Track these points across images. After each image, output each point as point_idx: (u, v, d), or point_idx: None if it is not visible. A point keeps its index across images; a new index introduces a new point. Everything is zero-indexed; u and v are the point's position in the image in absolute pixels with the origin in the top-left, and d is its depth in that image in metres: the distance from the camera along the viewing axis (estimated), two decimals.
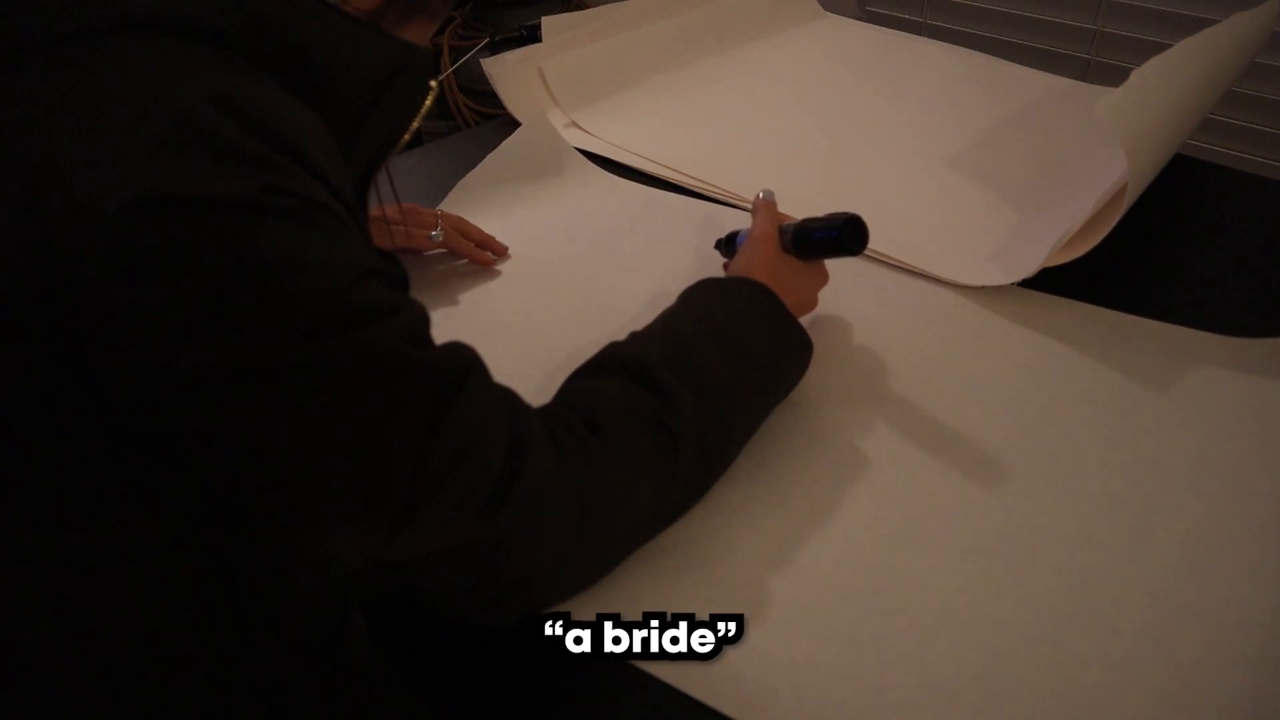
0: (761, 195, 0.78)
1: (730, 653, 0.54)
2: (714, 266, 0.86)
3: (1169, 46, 0.82)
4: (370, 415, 0.43)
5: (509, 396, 0.52)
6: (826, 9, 1.44)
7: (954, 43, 1.34)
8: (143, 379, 0.40)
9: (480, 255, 0.86)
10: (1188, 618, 0.56)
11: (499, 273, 0.87)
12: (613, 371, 0.59)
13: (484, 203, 0.93)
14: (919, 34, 1.42)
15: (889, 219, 0.93)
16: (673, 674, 0.53)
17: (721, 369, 0.60)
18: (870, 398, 0.72)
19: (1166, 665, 0.53)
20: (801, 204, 0.94)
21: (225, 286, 0.39)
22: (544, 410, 0.55)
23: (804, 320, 0.75)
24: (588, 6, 1.86)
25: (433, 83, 0.53)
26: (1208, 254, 0.90)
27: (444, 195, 0.95)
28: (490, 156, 0.99)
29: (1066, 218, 0.88)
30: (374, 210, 0.82)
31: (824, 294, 0.78)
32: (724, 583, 0.58)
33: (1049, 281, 0.82)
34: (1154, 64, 0.79)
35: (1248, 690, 0.52)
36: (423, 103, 0.53)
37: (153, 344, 0.39)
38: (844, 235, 0.69)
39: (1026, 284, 0.83)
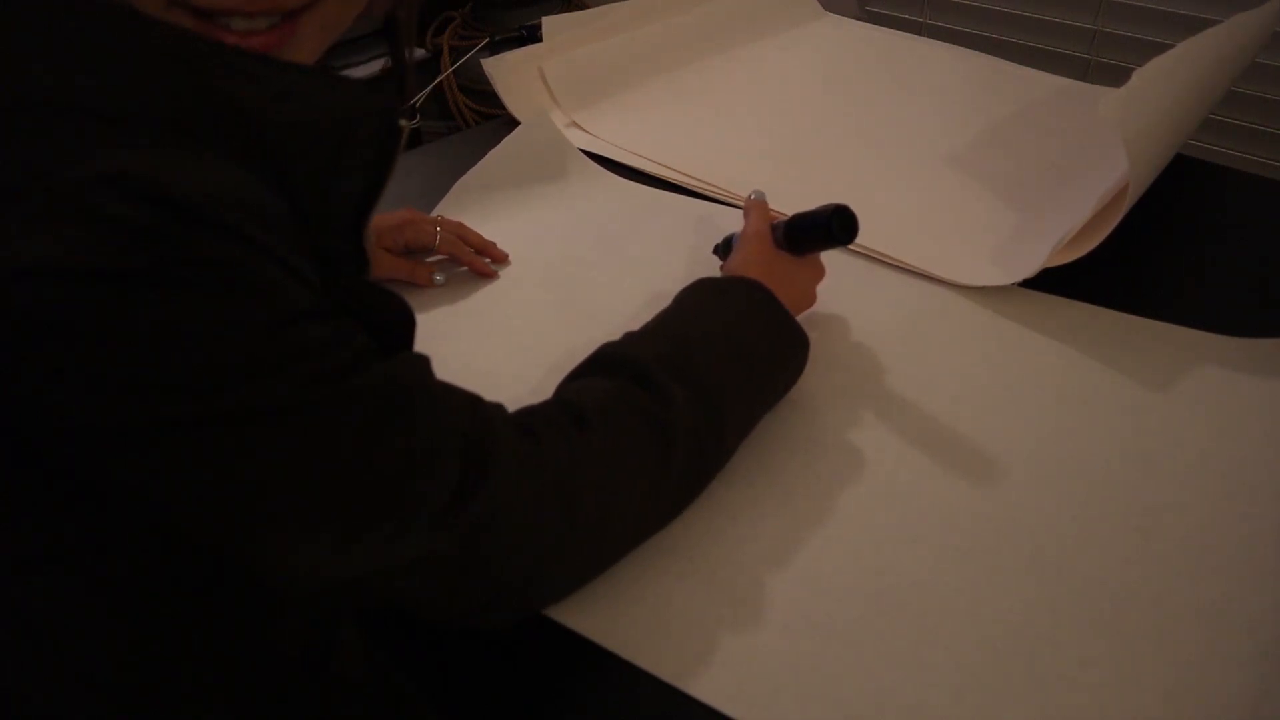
0: (753, 196, 0.78)
1: (732, 653, 0.54)
2: (714, 266, 0.86)
3: (1169, 46, 0.82)
4: (298, 450, 0.42)
5: (470, 405, 0.50)
6: (826, 9, 1.44)
7: (954, 43, 1.34)
8: (56, 436, 0.39)
9: (481, 265, 0.86)
10: (1190, 618, 0.56)
11: (499, 272, 0.87)
12: (604, 370, 0.59)
13: (484, 202, 0.93)
14: (919, 34, 1.41)
15: (889, 219, 0.93)
16: (674, 673, 0.53)
17: (717, 367, 0.60)
18: (871, 398, 0.72)
19: (1169, 666, 0.53)
20: (801, 204, 0.94)
21: (117, 353, 0.38)
22: (529, 409, 0.54)
23: (804, 316, 0.75)
24: (588, 6, 1.86)
25: (404, 123, 0.49)
26: (1208, 254, 0.90)
27: (442, 196, 0.95)
28: (491, 154, 0.99)
29: (1067, 218, 0.88)
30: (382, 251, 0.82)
31: (824, 294, 0.78)
32: (726, 584, 0.58)
33: (1049, 282, 0.82)
34: (1155, 64, 0.79)
35: (1250, 690, 0.52)
36: (395, 150, 0.49)
37: (71, 405, 0.38)
38: (832, 225, 0.70)
39: (1027, 284, 0.83)
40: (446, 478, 0.46)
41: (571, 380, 0.60)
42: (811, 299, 0.76)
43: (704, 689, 0.52)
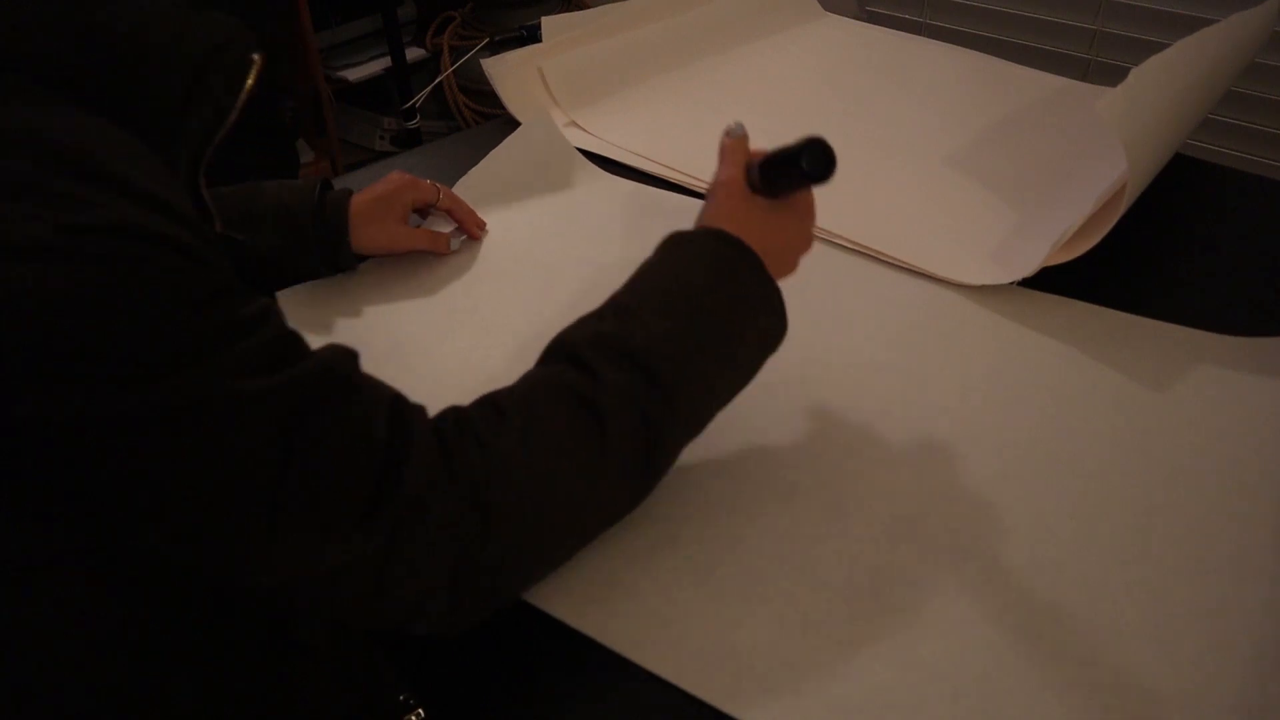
0: (728, 134, 0.66)
1: (730, 651, 0.54)
2: None
3: (1169, 46, 0.82)
4: (213, 452, 0.41)
5: (391, 404, 0.48)
6: (826, 9, 1.44)
7: (954, 43, 1.34)
8: None
9: (476, 223, 0.88)
10: (1188, 617, 0.56)
11: (499, 272, 0.87)
12: (545, 358, 0.57)
13: (485, 203, 0.93)
14: (919, 34, 1.41)
15: (889, 218, 0.93)
16: (674, 670, 0.53)
17: (660, 334, 0.55)
18: (871, 396, 0.72)
19: (1167, 665, 0.53)
20: None
21: (28, 339, 0.37)
22: (451, 409, 0.52)
23: (805, 308, 0.71)
24: (588, 6, 1.86)
25: (255, 56, 0.47)
26: (1207, 254, 0.90)
27: None
28: (491, 154, 0.99)
29: (1066, 217, 0.88)
30: (398, 219, 0.83)
31: (823, 293, 0.78)
32: (723, 581, 0.58)
33: (1049, 280, 0.82)
34: (1153, 63, 0.79)
35: (1249, 690, 0.52)
36: (244, 83, 0.47)
37: None
38: (803, 158, 0.59)
39: (1026, 283, 0.83)
40: (363, 481, 0.45)
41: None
42: (801, 245, 0.65)
43: (704, 686, 0.52)
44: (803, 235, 0.65)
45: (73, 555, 0.43)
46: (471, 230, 0.88)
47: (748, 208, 0.63)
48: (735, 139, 0.66)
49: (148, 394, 0.39)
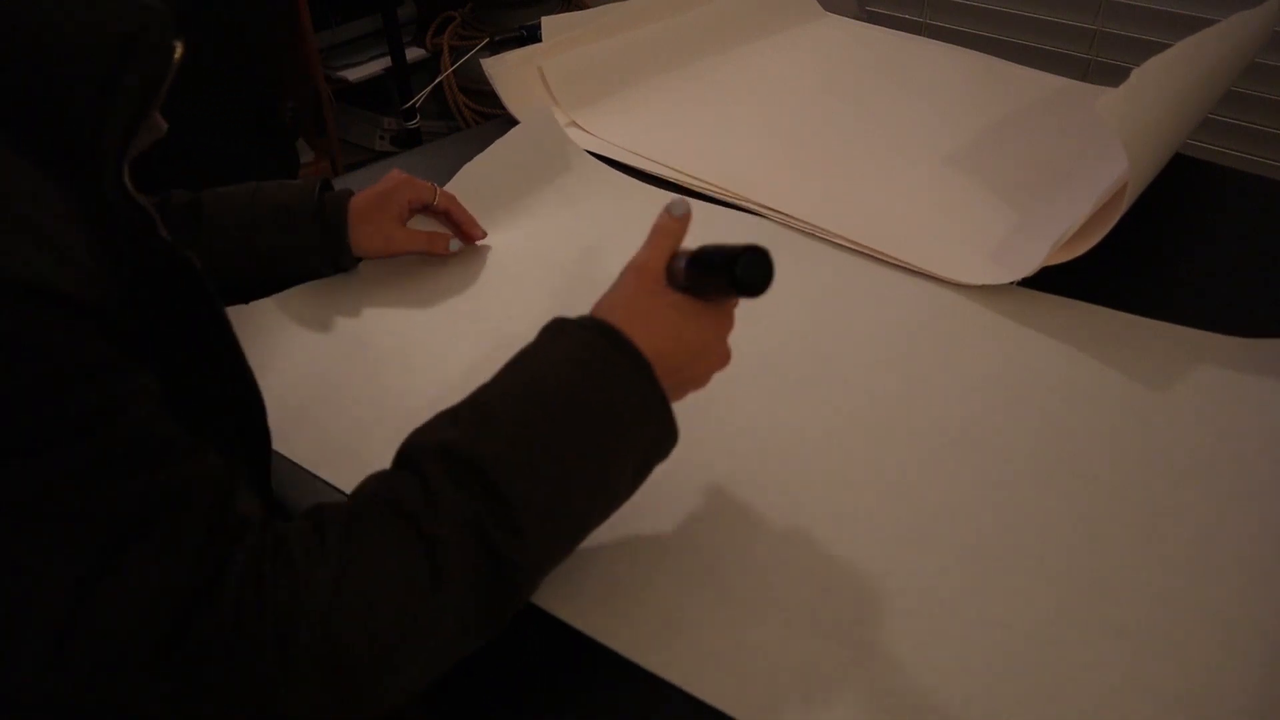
0: (668, 210, 0.57)
1: (740, 656, 0.54)
2: None
3: (1169, 46, 0.82)
4: (12, 556, 0.39)
5: (213, 534, 0.43)
6: (826, 9, 1.44)
7: (954, 43, 1.34)
8: None
9: (472, 227, 0.87)
10: (1197, 619, 0.56)
11: (501, 270, 0.87)
12: (395, 462, 0.50)
13: (486, 197, 0.93)
14: (919, 34, 1.41)
15: (889, 218, 0.93)
16: (681, 675, 0.53)
17: (523, 440, 0.48)
18: (872, 397, 0.72)
19: (1176, 667, 0.53)
20: (800, 202, 0.95)
21: None
22: (282, 525, 0.46)
23: (802, 318, 0.70)
24: (588, 6, 1.86)
25: (177, 41, 0.45)
26: (1207, 254, 0.90)
27: None
28: (490, 148, 0.98)
29: (1066, 217, 0.88)
30: (401, 223, 0.82)
31: (825, 294, 0.78)
32: (732, 587, 0.58)
33: (1049, 280, 0.82)
34: (1154, 63, 0.79)
35: (1259, 691, 0.52)
36: (166, 70, 0.44)
37: None
38: (738, 267, 0.50)
39: (1026, 283, 0.83)
40: (164, 617, 0.41)
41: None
42: (714, 357, 0.56)
43: (713, 692, 0.52)
44: (718, 346, 0.56)
45: None
46: (471, 231, 0.88)
47: (654, 302, 0.54)
48: (673, 219, 0.56)
49: None
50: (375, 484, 0.49)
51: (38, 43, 0.42)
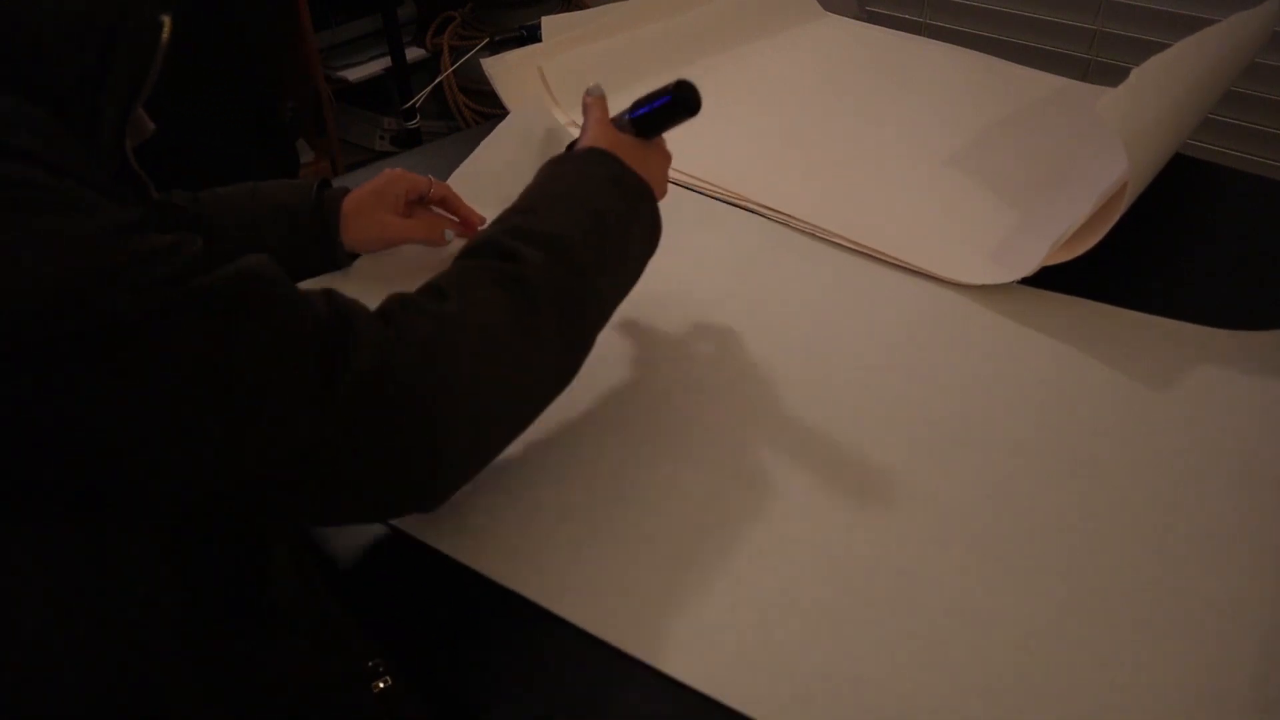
0: (588, 93, 0.78)
1: (761, 657, 0.54)
2: (717, 267, 0.86)
3: (1169, 46, 0.83)
4: (153, 362, 0.42)
5: (324, 293, 0.51)
6: (826, 9, 1.44)
7: (954, 43, 1.34)
8: None
9: (469, 215, 0.87)
10: (1202, 613, 0.56)
11: None
12: (462, 256, 0.60)
13: (479, 193, 0.93)
14: (919, 34, 1.41)
15: (889, 218, 0.93)
16: (703, 679, 0.53)
17: (563, 221, 0.62)
18: (873, 397, 0.72)
19: (1195, 663, 0.53)
20: (800, 202, 0.95)
21: None
22: (390, 296, 0.55)
23: (809, 306, 0.73)
24: (588, 6, 1.86)
25: (165, 18, 0.49)
26: (1207, 254, 0.90)
27: None
28: (483, 144, 0.98)
29: (1066, 216, 0.88)
30: (400, 205, 0.83)
31: (826, 293, 0.78)
32: (751, 589, 0.58)
33: (1049, 280, 0.82)
34: (1154, 63, 0.79)
35: (1263, 685, 0.52)
36: (156, 49, 0.49)
37: None
38: (675, 96, 0.72)
39: (1026, 281, 0.83)
40: (312, 358, 0.46)
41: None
42: (662, 181, 0.75)
43: (735, 694, 0.52)
44: (665, 161, 0.77)
45: (38, 516, 0.44)
46: (470, 220, 0.87)
47: (620, 139, 0.72)
48: (596, 97, 0.77)
49: (75, 321, 0.40)
50: (462, 263, 0.59)
51: (33, 20, 0.45)
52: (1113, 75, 1.19)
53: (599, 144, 0.70)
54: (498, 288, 0.56)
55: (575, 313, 0.60)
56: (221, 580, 0.52)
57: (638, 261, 0.69)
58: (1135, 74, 0.77)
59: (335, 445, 0.47)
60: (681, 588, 0.58)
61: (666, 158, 0.77)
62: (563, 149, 1.01)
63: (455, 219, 0.87)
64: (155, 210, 0.52)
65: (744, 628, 0.55)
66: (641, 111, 0.73)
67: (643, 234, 0.69)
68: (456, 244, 0.87)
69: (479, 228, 0.89)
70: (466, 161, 0.97)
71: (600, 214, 0.64)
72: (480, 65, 1.12)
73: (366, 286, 0.83)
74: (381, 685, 0.58)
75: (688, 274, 0.85)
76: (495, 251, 0.59)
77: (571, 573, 0.58)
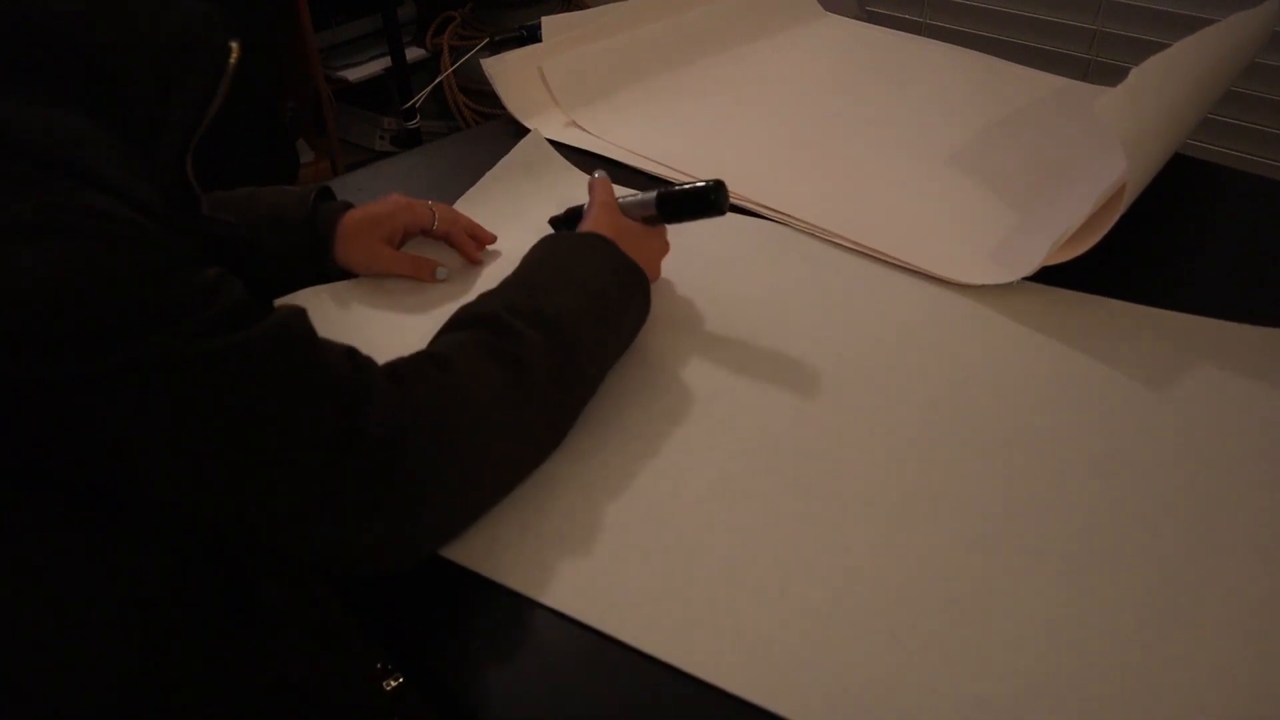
0: (596, 175, 0.81)
1: (795, 661, 0.54)
2: (717, 268, 0.86)
3: (1169, 46, 0.83)
4: (182, 405, 0.45)
5: (347, 354, 0.54)
6: (826, 9, 1.44)
7: (954, 43, 1.34)
8: None
9: (472, 251, 0.86)
10: (1207, 610, 0.56)
11: (494, 281, 0.86)
12: (461, 326, 0.63)
13: (484, 222, 0.93)
14: (919, 34, 1.41)
15: (889, 218, 0.93)
16: (740, 682, 0.53)
17: (562, 303, 0.65)
18: (873, 398, 0.72)
19: (1258, 660, 0.53)
20: (801, 203, 0.95)
21: (17, 308, 0.40)
22: (396, 359, 0.58)
23: (801, 310, 0.74)
24: (588, 6, 1.86)
25: (234, 44, 0.51)
26: (1206, 254, 0.90)
27: (442, 196, 0.95)
28: (488, 175, 0.98)
29: (1066, 216, 0.88)
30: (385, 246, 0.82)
31: (827, 294, 0.78)
32: (772, 594, 0.57)
33: (1049, 280, 0.82)
34: (1153, 63, 0.79)
35: (1267, 684, 0.52)
36: (224, 72, 0.51)
37: None
38: (709, 197, 0.74)
39: (1026, 280, 0.83)
40: (327, 424, 0.49)
41: (435, 340, 0.64)
42: (657, 269, 0.80)
43: (770, 697, 0.52)
44: (663, 250, 0.81)
45: (39, 517, 0.45)
46: (471, 255, 0.86)
47: (622, 226, 0.75)
48: (601, 180, 0.80)
49: (118, 356, 0.42)
50: (458, 335, 0.62)
51: (106, 42, 0.47)
52: (1113, 75, 1.19)
53: (602, 229, 0.72)
54: (496, 364, 0.59)
55: (565, 394, 0.64)
56: (221, 580, 0.52)
57: (626, 343, 0.73)
58: (1134, 74, 0.77)
59: (339, 499, 0.50)
60: (684, 584, 0.58)
61: (665, 247, 0.81)
62: (561, 175, 1.01)
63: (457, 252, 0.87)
64: (204, 223, 0.55)
65: (746, 623, 0.55)
66: (669, 195, 0.76)
67: (634, 320, 0.73)
68: (456, 281, 0.85)
69: (479, 257, 0.87)
70: (469, 193, 0.96)
71: (599, 300, 0.67)
72: (480, 65, 1.12)
73: (367, 298, 0.82)
74: (393, 683, 0.60)
75: (687, 274, 0.85)
76: (497, 326, 0.62)
77: (574, 571, 0.58)
